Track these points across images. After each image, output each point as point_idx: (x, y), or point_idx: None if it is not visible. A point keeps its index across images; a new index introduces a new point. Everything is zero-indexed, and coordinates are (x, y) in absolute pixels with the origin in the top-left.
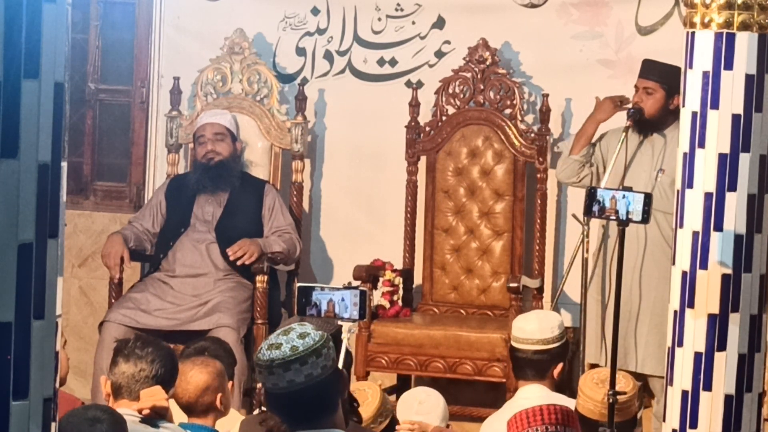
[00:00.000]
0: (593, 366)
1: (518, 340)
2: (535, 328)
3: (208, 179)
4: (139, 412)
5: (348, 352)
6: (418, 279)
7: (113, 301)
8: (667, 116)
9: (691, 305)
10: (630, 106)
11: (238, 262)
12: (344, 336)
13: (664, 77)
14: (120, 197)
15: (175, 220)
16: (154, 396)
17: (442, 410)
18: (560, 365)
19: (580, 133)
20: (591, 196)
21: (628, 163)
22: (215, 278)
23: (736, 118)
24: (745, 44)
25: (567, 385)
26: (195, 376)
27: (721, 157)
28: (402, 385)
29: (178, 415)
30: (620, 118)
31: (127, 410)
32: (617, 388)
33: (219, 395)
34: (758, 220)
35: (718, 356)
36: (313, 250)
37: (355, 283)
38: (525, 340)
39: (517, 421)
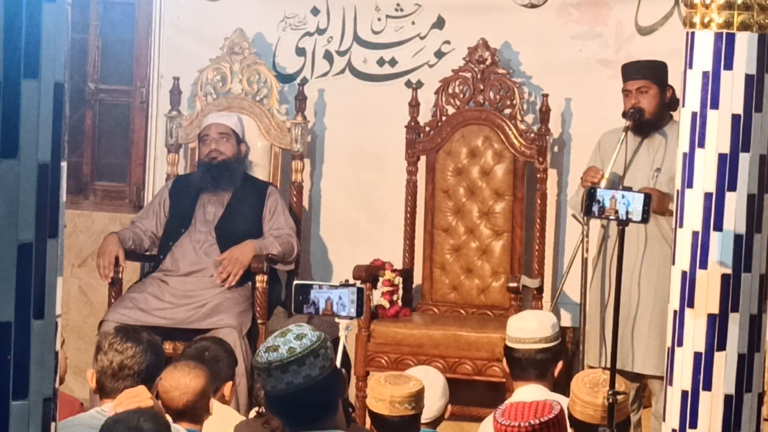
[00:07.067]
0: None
1: (519, 340)
2: (536, 326)
3: (210, 178)
4: None
5: (345, 353)
6: (417, 279)
7: (113, 301)
8: (664, 111)
9: (691, 305)
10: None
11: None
12: (342, 334)
13: (652, 73)
14: (120, 197)
15: (177, 219)
16: (137, 397)
17: (442, 387)
18: (560, 364)
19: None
20: (591, 196)
21: (627, 164)
22: (214, 278)
23: (736, 118)
24: (745, 44)
25: (567, 385)
26: (193, 381)
27: (721, 157)
28: None
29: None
30: (620, 121)
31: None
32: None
33: (210, 398)
34: (758, 220)
35: (718, 356)
36: (313, 250)
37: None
38: (526, 339)
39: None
